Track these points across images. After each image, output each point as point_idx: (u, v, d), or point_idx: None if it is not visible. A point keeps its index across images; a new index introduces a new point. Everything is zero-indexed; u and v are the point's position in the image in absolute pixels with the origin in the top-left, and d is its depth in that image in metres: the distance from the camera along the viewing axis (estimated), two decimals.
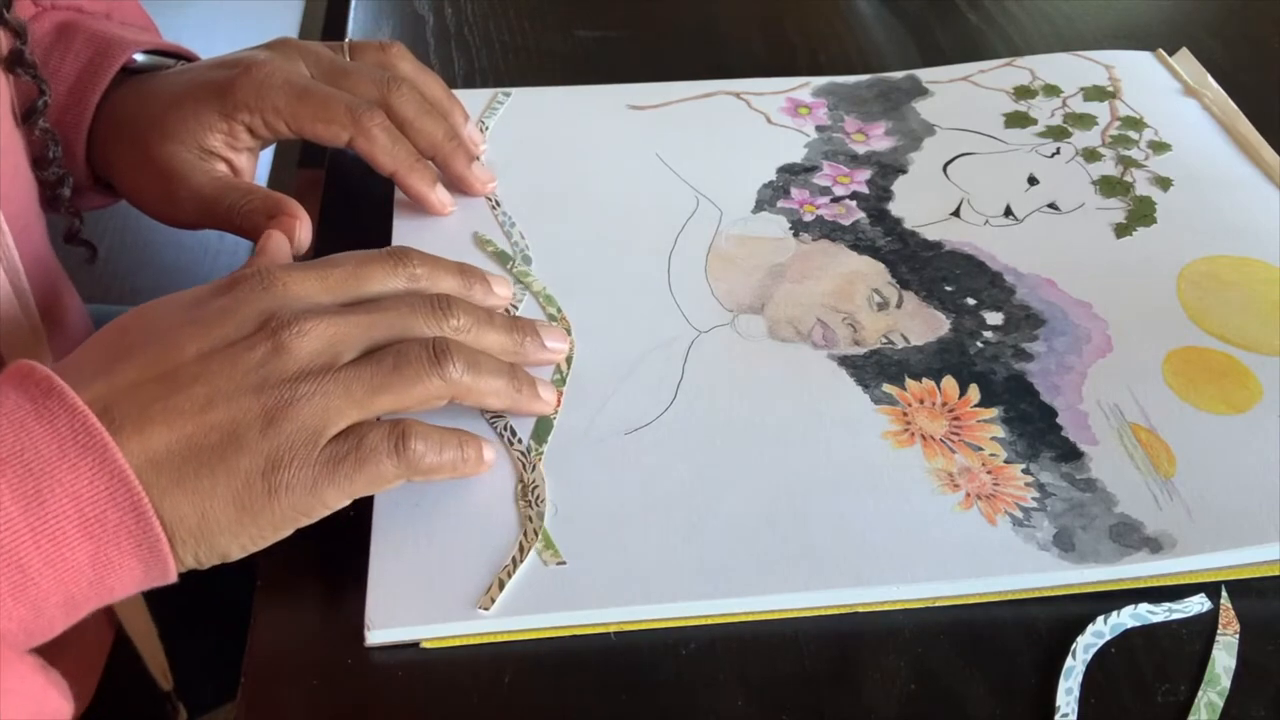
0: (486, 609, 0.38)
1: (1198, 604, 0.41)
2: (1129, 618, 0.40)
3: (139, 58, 0.52)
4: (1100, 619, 0.40)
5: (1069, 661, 0.38)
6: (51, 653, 0.34)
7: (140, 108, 0.51)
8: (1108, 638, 0.39)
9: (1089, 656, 0.39)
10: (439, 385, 0.39)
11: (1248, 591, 0.41)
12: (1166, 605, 0.40)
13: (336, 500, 0.37)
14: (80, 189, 0.53)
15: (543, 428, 0.44)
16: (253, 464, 0.35)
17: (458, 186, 0.54)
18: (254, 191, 0.48)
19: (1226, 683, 0.38)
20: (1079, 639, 0.39)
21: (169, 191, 0.49)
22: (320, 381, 0.37)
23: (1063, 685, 0.38)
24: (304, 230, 0.46)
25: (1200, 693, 0.38)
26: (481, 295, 0.45)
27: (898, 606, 0.40)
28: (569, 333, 0.48)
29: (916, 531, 0.41)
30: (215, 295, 0.38)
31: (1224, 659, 0.39)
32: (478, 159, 0.55)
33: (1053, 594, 0.40)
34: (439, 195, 0.53)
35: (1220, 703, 0.38)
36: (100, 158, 0.52)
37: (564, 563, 0.39)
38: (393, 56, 0.54)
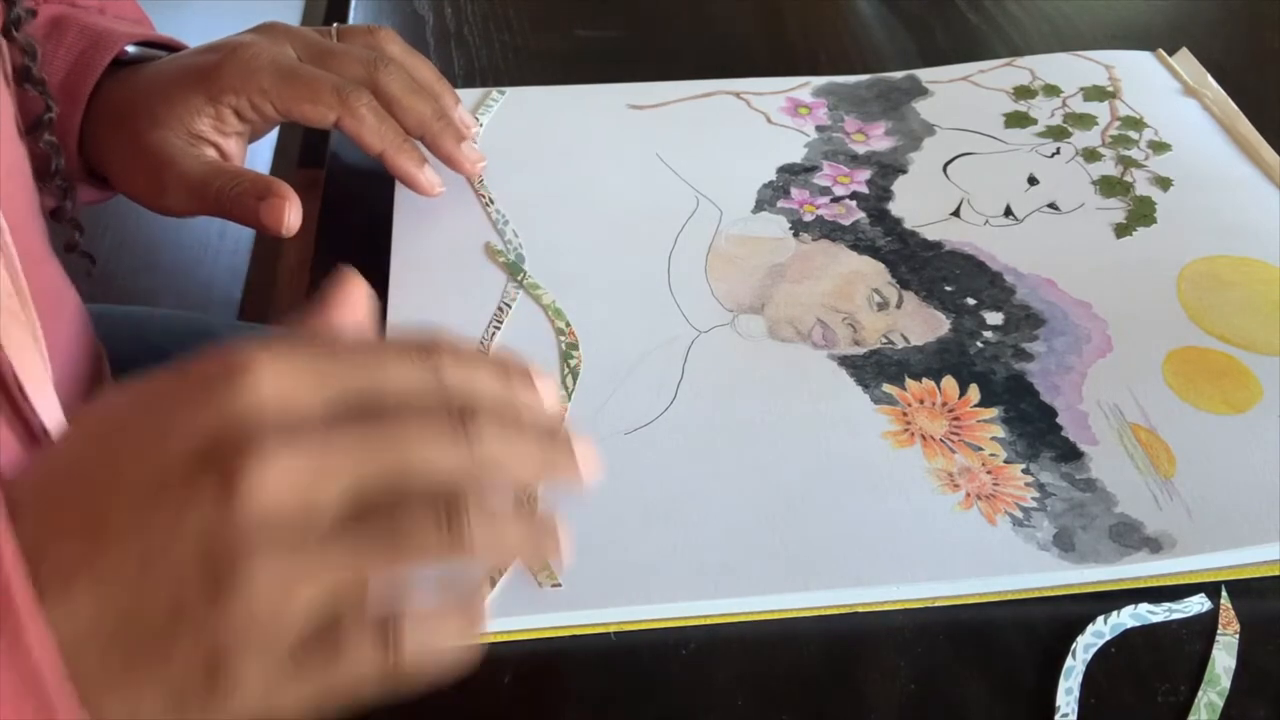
0: None
1: (1198, 604, 0.41)
2: (1129, 618, 0.40)
3: (131, 50, 0.52)
4: (1100, 619, 0.40)
5: (1069, 661, 0.38)
6: None
7: (130, 97, 0.51)
8: (1108, 638, 0.39)
9: (1089, 656, 0.39)
10: (447, 555, 0.29)
11: (1248, 591, 0.41)
12: (1166, 605, 0.40)
13: (298, 706, 0.28)
14: (74, 183, 0.53)
15: None
16: (192, 651, 0.26)
17: (447, 166, 0.54)
18: (242, 174, 0.48)
19: (1226, 683, 0.38)
20: (1079, 639, 0.39)
21: (158, 178, 0.49)
22: (282, 550, 0.27)
23: (1063, 685, 0.38)
24: (294, 212, 0.46)
25: (1200, 693, 0.38)
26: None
27: (898, 606, 0.40)
28: (576, 346, 0.47)
29: (916, 531, 0.41)
30: (172, 392, 0.29)
31: (1224, 659, 0.39)
32: (467, 140, 0.55)
33: (1053, 594, 0.40)
34: (427, 176, 0.52)
35: (1220, 703, 0.38)
36: (92, 150, 0.52)
37: (559, 584, 0.39)
38: (381, 39, 0.54)
